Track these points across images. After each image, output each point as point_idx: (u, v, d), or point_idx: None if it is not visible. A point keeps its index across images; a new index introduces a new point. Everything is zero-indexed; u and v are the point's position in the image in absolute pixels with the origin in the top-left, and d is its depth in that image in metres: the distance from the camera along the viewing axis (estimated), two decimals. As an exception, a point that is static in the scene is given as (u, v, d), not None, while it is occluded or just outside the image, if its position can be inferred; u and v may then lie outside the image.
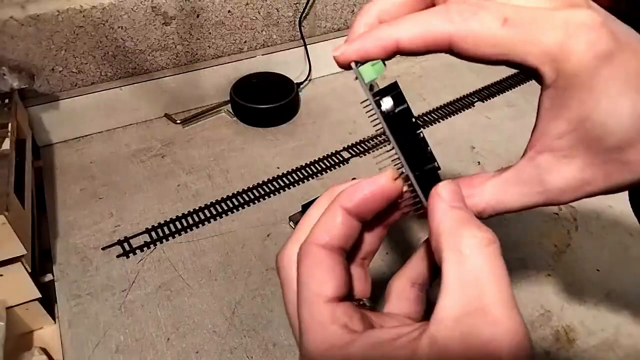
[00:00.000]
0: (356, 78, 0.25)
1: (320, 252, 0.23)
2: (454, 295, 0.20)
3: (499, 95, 0.78)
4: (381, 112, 0.25)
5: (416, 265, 0.28)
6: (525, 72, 0.23)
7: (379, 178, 0.25)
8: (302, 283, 0.23)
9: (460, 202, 0.23)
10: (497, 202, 0.25)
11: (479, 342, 0.19)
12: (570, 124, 0.22)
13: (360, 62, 0.25)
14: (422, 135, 0.25)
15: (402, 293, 0.27)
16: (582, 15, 0.21)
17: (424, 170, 0.25)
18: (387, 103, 0.25)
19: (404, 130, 0.25)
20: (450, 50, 0.23)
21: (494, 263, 0.20)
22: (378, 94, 0.25)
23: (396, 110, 0.25)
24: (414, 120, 0.25)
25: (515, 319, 0.19)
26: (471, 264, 0.20)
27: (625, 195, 0.65)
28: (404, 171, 0.25)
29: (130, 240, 0.54)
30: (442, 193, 0.23)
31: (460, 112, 0.75)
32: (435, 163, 0.25)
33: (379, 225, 0.28)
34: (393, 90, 0.25)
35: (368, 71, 0.25)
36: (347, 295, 0.24)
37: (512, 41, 0.21)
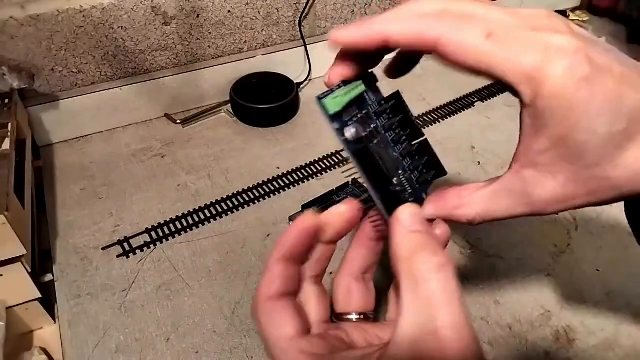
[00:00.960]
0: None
1: (268, 304, 0.27)
2: (410, 318, 0.22)
3: (499, 95, 0.78)
4: (345, 140, 0.26)
5: (355, 258, 0.30)
6: (505, 88, 0.23)
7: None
8: (265, 333, 0.26)
9: (420, 225, 0.25)
10: (485, 212, 0.26)
11: None
12: (551, 141, 0.22)
13: (325, 94, 0.26)
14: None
15: (350, 290, 0.30)
16: (561, 40, 0.21)
17: (388, 192, 0.27)
18: (348, 132, 0.26)
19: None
20: (435, 51, 0.23)
21: (446, 286, 0.22)
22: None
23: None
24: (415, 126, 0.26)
25: (464, 340, 0.21)
26: (425, 289, 0.22)
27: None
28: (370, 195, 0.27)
29: (130, 240, 0.54)
30: (401, 217, 0.25)
31: (460, 112, 0.75)
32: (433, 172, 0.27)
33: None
34: (393, 100, 0.26)
35: (331, 104, 0.26)
36: (307, 329, 0.27)
37: (493, 56, 0.22)
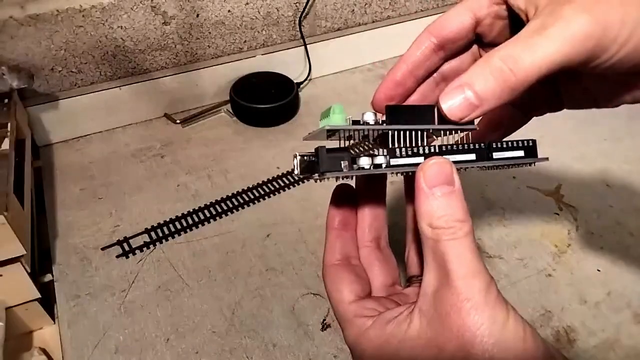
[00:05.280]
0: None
1: (331, 270, 0.29)
2: (431, 273, 0.24)
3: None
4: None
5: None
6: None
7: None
8: (329, 296, 0.29)
9: (442, 186, 0.23)
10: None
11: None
12: None
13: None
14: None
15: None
16: None
17: None
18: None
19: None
20: None
21: (460, 244, 0.23)
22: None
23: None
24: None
25: (475, 286, 0.22)
26: (441, 246, 0.23)
27: (625, 195, 0.65)
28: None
29: (130, 241, 0.54)
30: (426, 175, 0.23)
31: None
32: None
33: (370, 204, 0.30)
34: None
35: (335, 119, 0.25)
36: (368, 292, 0.29)
37: None
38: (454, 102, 0.23)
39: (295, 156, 0.26)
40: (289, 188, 0.61)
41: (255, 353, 0.45)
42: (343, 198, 0.31)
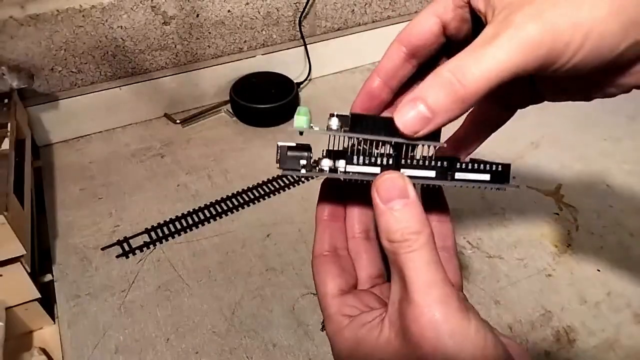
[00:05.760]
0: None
1: (317, 262, 0.29)
2: (395, 284, 0.24)
3: (499, 95, 0.78)
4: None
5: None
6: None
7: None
8: (316, 287, 0.29)
9: (397, 200, 0.24)
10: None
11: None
12: None
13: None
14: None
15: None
16: None
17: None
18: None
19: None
20: None
21: (418, 256, 0.23)
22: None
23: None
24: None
25: (433, 300, 0.22)
26: (400, 260, 0.23)
27: (625, 195, 0.65)
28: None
29: (130, 241, 0.54)
30: (380, 190, 0.24)
31: (461, 111, 0.75)
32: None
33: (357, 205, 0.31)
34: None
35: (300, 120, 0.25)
36: (353, 284, 0.29)
37: None
38: (408, 116, 0.23)
39: (277, 147, 0.26)
40: (289, 188, 0.61)
41: (255, 353, 0.45)
42: (332, 191, 0.31)
